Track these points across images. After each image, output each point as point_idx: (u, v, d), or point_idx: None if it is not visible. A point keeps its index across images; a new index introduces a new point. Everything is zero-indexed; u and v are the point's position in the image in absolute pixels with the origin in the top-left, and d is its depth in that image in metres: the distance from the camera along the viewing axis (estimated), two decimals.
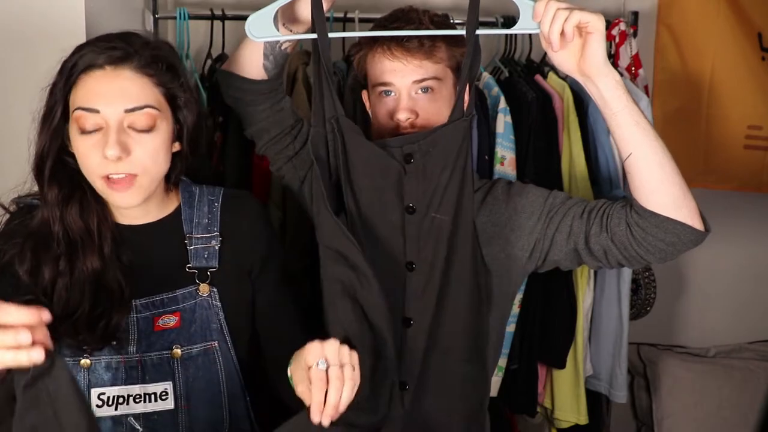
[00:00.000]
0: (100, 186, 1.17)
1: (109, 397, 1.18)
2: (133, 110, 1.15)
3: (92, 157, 1.15)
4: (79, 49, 1.17)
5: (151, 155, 1.16)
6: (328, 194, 1.22)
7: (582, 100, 1.88)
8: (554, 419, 2.00)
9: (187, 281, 1.24)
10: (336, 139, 1.21)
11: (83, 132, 1.15)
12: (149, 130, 1.16)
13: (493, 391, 1.85)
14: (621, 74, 2.04)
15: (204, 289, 1.24)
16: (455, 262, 1.25)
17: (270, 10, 1.22)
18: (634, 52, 2.10)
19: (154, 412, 1.20)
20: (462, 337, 1.28)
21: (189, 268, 1.24)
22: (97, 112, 1.14)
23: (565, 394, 1.95)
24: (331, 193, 1.23)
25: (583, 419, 1.96)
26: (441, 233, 1.24)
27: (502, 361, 1.85)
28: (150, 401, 1.19)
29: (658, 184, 1.25)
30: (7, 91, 1.54)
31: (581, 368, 1.94)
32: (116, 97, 1.14)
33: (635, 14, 2.17)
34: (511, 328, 1.84)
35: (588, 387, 2.00)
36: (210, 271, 1.25)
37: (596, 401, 2.07)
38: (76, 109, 1.15)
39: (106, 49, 1.16)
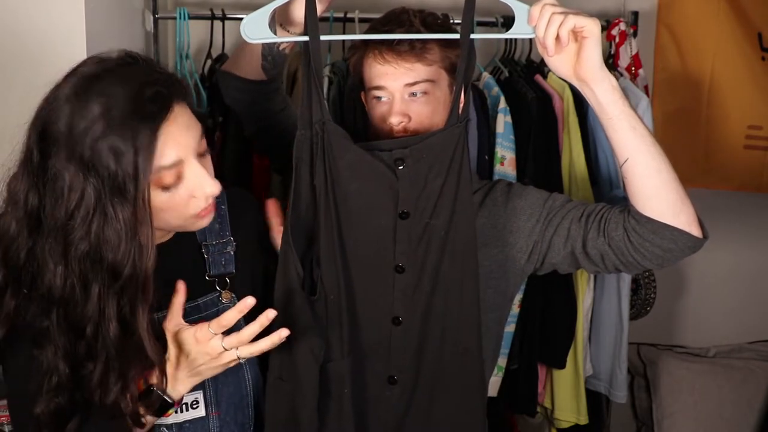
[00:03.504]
0: (188, 224, 1.14)
1: None
2: (198, 140, 1.09)
3: (184, 203, 1.09)
4: (121, 116, 1.00)
5: (213, 174, 1.13)
6: (295, 204, 1.22)
7: (582, 100, 1.88)
8: (554, 419, 2.00)
9: (207, 289, 1.23)
10: (321, 143, 1.20)
11: (169, 189, 1.07)
12: (208, 151, 1.13)
13: (493, 391, 1.86)
14: (621, 74, 2.06)
15: (226, 296, 1.23)
16: (448, 266, 1.25)
17: (265, 12, 1.22)
18: (634, 52, 2.11)
19: (186, 421, 1.19)
20: (456, 337, 1.27)
21: (209, 276, 1.24)
22: (182, 162, 1.06)
23: (565, 394, 1.96)
24: (306, 198, 1.23)
25: (583, 419, 1.97)
26: (433, 238, 1.24)
27: (502, 361, 1.85)
28: (181, 411, 1.18)
29: (655, 190, 1.24)
30: (6, 88, 1.55)
31: (581, 368, 1.95)
32: (187, 138, 1.07)
33: (635, 14, 2.17)
34: (511, 328, 1.84)
35: (588, 387, 2.00)
36: (228, 278, 1.25)
37: (596, 401, 2.07)
38: (158, 171, 1.04)
39: (141, 96, 1.02)
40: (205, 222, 1.15)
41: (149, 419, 1.13)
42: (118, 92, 1.01)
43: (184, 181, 1.08)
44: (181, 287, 1.11)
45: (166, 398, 1.11)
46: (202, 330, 1.08)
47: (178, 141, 1.05)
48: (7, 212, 1.08)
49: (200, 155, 1.10)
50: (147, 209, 1.03)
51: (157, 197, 1.06)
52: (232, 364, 1.11)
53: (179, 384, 1.12)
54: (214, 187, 1.09)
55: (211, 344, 1.08)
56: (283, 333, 1.09)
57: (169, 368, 1.11)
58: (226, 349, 1.08)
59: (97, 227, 1.02)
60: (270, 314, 1.09)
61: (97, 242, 1.03)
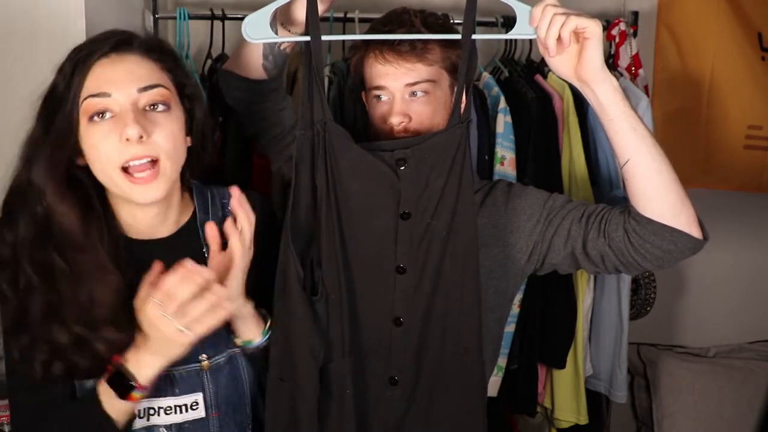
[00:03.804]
0: (119, 181, 1.11)
1: (140, 410, 1.15)
2: (146, 89, 1.11)
3: (107, 144, 1.09)
4: (78, 47, 1.14)
5: (171, 137, 1.12)
6: (294, 203, 1.22)
7: (582, 100, 1.88)
8: (554, 419, 2.00)
9: None
10: (322, 144, 1.20)
11: (94, 120, 1.10)
12: (165, 110, 1.13)
13: (493, 391, 1.86)
14: (621, 74, 2.06)
15: None
16: (449, 267, 1.25)
17: (266, 12, 1.22)
18: (634, 52, 2.11)
19: (186, 422, 1.19)
20: (456, 338, 1.27)
21: None
22: (109, 96, 1.10)
23: (565, 394, 1.96)
24: (306, 198, 1.23)
25: (583, 419, 1.97)
26: (435, 239, 1.24)
27: (502, 361, 1.85)
28: (180, 412, 1.18)
29: (655, 191, 1.24)
30: (7, 90, 1.55)
31: (581, 368, 1.95)
32: (126, 78, 1.11)
33: (635, 14, 2.17)
34: (511, 328, 1.84)
35: (588, 387, 2.00)
36: None
37: (596, 401, 2.07)
38: (85, 99, 1.10)
39: (107, 38, 1.14)
40: (142, 191, 1.11)
41: (118, 405, 1.10)
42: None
43: (111, 117, 1.10)
44: (156, 267, 1.08)
45: (125, 375, 1.09)
46: (150, 301, 1.06)
47: (108, 76, 1.11)
48: None
49: (142, 108, 1.11)
50: (74, 130, 1.11)
51: (88, 131, 1.11)
52: (184, 339, 1.06)
53: (143, 365, 1.10)
54: (132, 129, 1.08)
55: (152, 310, 1.05)
56: (218, 291, 1.07)
57: (135, 351, 1.10)
58: (167, 318, 1.04)
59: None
60: (206, 274, 1.07)
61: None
